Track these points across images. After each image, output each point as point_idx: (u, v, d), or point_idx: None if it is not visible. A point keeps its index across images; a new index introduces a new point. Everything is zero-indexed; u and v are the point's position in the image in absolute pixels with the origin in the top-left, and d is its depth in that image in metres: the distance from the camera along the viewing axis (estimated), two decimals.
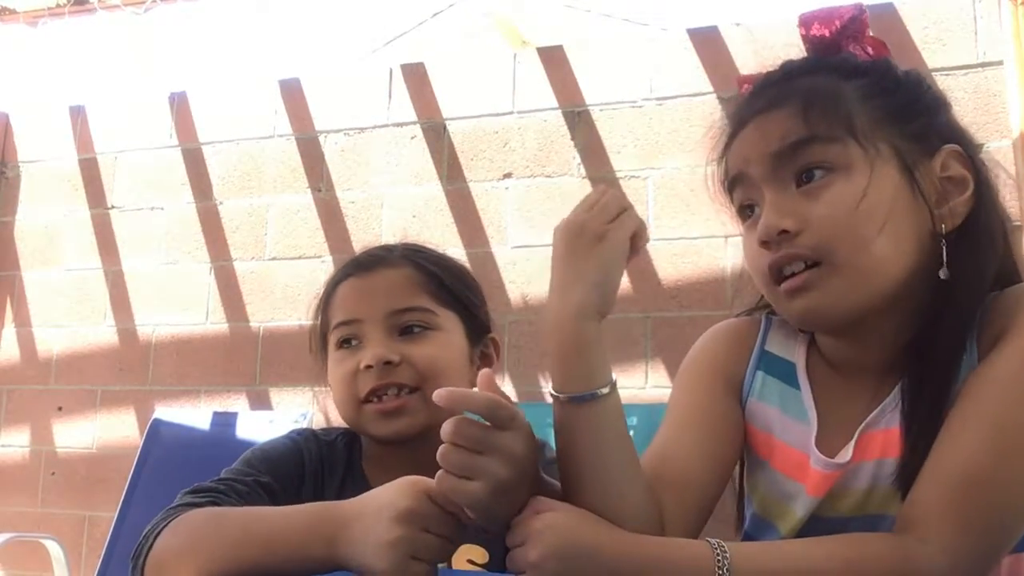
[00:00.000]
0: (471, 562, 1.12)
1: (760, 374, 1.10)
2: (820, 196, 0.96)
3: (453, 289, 1.29)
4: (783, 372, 1.09)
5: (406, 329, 1.23)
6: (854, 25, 1.04)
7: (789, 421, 1.05)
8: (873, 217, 0.94)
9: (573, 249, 0.93)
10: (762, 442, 1.07)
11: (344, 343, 1.26)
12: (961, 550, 0.84)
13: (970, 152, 1.02)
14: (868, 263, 0.95)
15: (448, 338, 1.25)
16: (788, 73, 1.05)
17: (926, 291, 0.97)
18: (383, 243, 1.37)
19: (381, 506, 0.91)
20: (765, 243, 0.98)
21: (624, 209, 0.95)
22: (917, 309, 0.98)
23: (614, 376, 0.93)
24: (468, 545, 1.14)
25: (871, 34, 1.06)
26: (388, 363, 1.20)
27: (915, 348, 0.97)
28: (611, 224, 0.94)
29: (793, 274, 0.97)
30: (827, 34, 1.05)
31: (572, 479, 0.93)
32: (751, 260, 1.03)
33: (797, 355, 1.09)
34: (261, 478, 1.17)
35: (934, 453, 0.89)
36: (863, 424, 0.98)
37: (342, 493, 1.22)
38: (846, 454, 0.98)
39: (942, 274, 0.96)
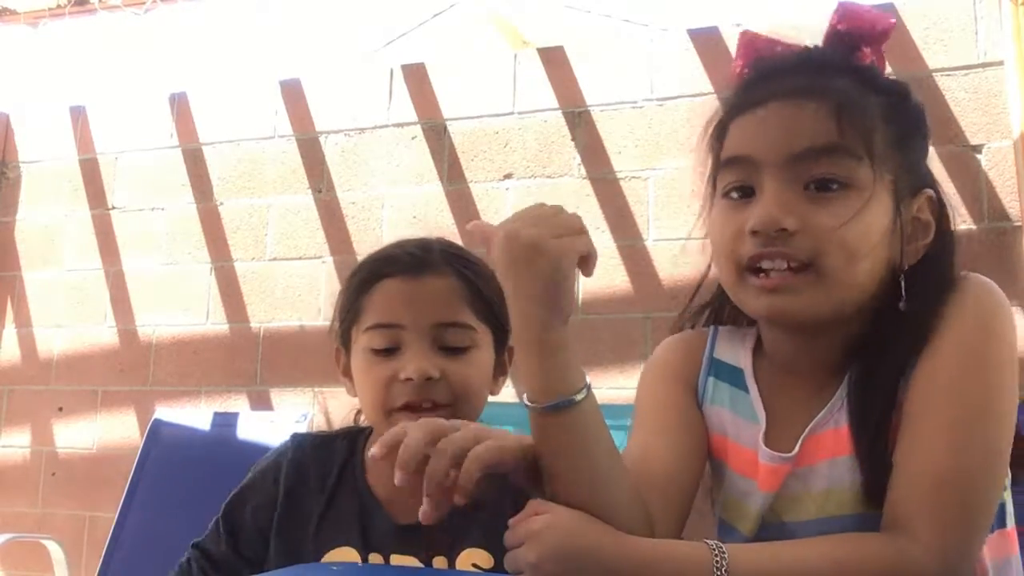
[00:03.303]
0: (476, 566, 1.13)
1: (711, 380, 1.11)
2: (826, 205, 0.96)
3: (489, 300, 1.25)
4: (732, 377, 1.10)
5: (447, 344, 1.21)
6: (883, 36, 1.05)
7: (741, 422, 1.07)
8: (866, 239, 0.96)
9: (514, 264, 0.89)
10: (718, 445, 1.09)
11: (380, 346, 1.22)
12: (949, 545, 0.86)
13: (941, 200, 1.05)
14: (849, 281, 0.96)
15: (481, 356, 1.23)
16: (821, 65, 1.03)
17: (875, 314, 1.00)
18: (419, 238, 1.32)
19: None
20: (756, 233, 0.97)
21: (577, 232, 0.90)
22: (865, 325, 1.01)
23: (587, 379, 0.92)
24: (473, 549, 1.14)
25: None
26: (429, 379, 1.18)
27: (858, 353, 1.00)
28: (558, 240, 0.88)
29: (772, 271, 0.97)
30: (855, 32, 1.04)
31: (559, 487, 0.91)
32: (726, 242, 1.01)
33: (743, 361, 1.11)
34: (223, 548, 1.25)
35: (901, 455, 0.92)
36: (810, 426, 1.00)
37: (336, 492, 1.24)
38: (794, 448, 1.00)
39: (902, 306, 0.98)
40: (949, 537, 0.86)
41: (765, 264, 0.97)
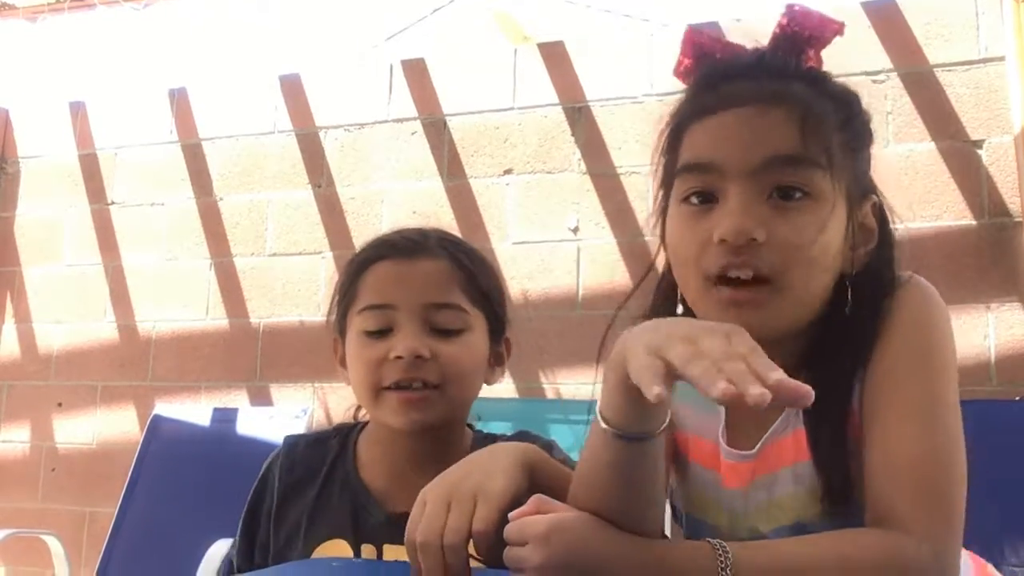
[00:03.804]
0: (472, 556, 1.12)
1: None
2: (790, 217, 0.95)
3: (484, 287, 1.26)
4: None
5: (439, 325, 1.20)
6: (828, 39, 1.04)
7: (701, 415, 1.08)
8: (826, 251, 0.97)
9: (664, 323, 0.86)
10: (680, 441, 1.10)
11: (373, 327, 1.22)
12: (937, 529, 0.88)
13: (882, 206, 1.05)
14: (807, 294, 0.97)
15: (474, 340, 1.23)
16: (778, 69, 1.02)
17: (824, 320, 1.00)
18: (417, 227, 1.33)
19: None
20: (724, 242, 0.95)
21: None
22: (816, 331, 1.01)
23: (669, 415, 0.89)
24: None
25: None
26: (419, 357, 1.17)
27: (812, 358, 1.00)
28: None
29: (738, 279, 0.96)
30: (802, 34, 1.03)
31: (601, 509, 0.90)
32: (691, 251, 0.99)
33: None
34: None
35: (871, 453, 0.93)
36: (769, 432, 1.01)
37: (327, 485, 1.24)
38: (754, 447, 1.01)
39: (848, 311, 0.99)
40: (936, 521, 0.88)
41: (732, 274, 0.96)
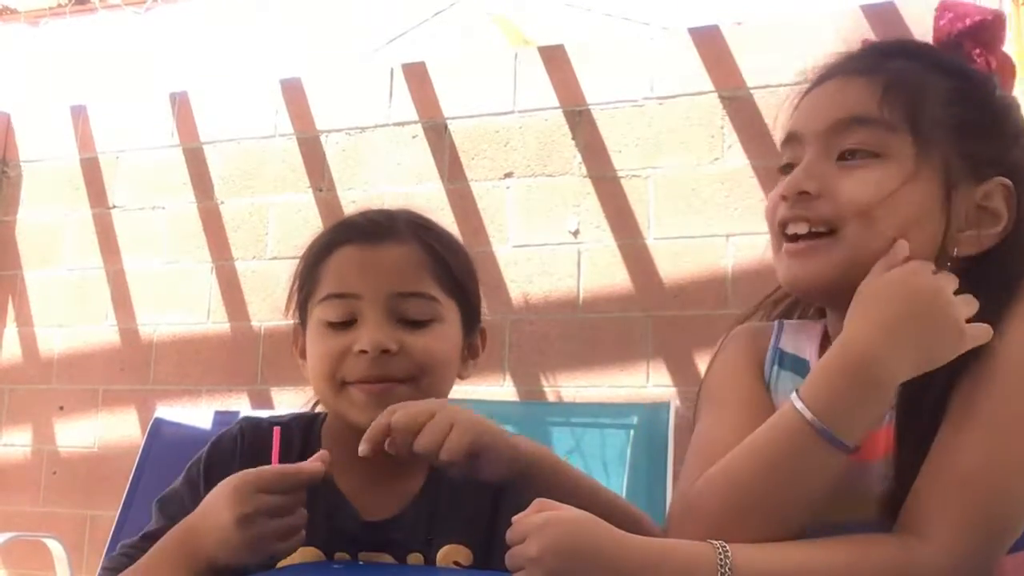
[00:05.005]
0: (457, 564, 1.10)
1: (776, 368, 1.12)
2: (853, 174, 0.97)
3: (457, 275, 1.18)
4: (797, 367, 1.10)
5: (407, 316, 1.12)
6: (985, 30, 1.04)
7: None
8: (896, 213, 0.95)
9: (930, 314, 0.90)
10: None
11: (335, 318, 1.14)
12: (962, 549, 0.84)
13: (1020, 192, 1.00)
14: (868, 250, 0.96)
15: (447, 330, 1.16)
16: (884, 50, 1.06)
17: None
18: (386, 208, 1.24)
19: (217, 497, 0.98)
20: (784, 197, 1.00)
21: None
22: None
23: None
24: (452, 546, 1.11)
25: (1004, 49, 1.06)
26: (385, 352, 1.09)
27: None
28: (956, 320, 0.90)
29: (796, 236, 1.00)
30: (952, 28, 1.04)
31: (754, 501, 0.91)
32: (768, 211, 1.06)
33: (809, 352, 1.10)
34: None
35: (932, 452, 0.90)
36: None
37: None
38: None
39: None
40: (966, 541, 0.84)
41: (790, 229, 1.00)
